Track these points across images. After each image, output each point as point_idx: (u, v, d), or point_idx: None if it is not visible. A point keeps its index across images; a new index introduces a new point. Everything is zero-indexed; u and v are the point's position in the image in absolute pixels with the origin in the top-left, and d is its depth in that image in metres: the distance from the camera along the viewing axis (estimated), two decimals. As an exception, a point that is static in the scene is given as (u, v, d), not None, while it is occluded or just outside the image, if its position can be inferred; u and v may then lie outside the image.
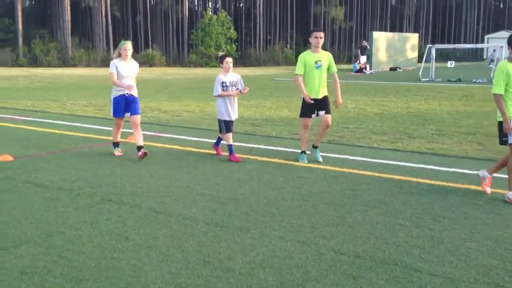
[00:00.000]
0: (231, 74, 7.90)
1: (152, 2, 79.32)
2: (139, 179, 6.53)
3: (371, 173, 6.80)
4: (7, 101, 16.92)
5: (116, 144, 8.23)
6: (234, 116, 7.88)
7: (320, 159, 7.57)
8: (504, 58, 5.82)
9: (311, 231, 4.63)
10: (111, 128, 9.55)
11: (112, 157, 7.93)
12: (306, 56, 7.54)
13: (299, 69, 7.51)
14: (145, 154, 7.67)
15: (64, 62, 59.68)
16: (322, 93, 7.54)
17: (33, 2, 79.92)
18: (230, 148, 7.75)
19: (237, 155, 7.84)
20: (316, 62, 7.45)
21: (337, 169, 7.07)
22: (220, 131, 7.94)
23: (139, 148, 7.78)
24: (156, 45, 69.75)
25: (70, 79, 30.10)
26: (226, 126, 7.79)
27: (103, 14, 67.51)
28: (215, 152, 8.18)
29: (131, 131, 8.13)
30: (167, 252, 4.11)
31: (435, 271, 3.76)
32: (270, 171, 6.98)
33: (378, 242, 4.35)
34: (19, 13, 63.50)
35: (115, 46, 63.75)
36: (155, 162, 7.55)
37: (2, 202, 5.49)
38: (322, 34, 7.48)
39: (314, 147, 7.78)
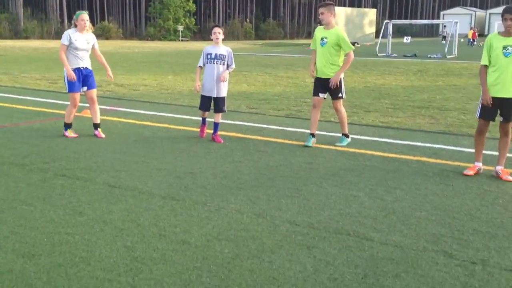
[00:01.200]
0: (221, 47, 7.12)
1: (108, -27, 76.98)
2: (94, 153, 6.42)
3: (327, 147, 6.89)
4: (-46, 74, 16.25)
5: (68, 125, 7.43)
6: (214, 92, 7.13)
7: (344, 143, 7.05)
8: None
9: (267, 203, 4.67)
10: (65, 102, 9.34)
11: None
12: (317, 32, 6.97)
13: (313, 43, 7.06)
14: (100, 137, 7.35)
15: (16, 33, 57.59)
16: (327, 73, 6.82)
17: (-19, -29, 76.21)
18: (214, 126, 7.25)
19: (195, 129, 7.81)
20: (322, 39, 6.81)
21: (294, 142, 7.13)
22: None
23: (96, 126, 7.50)
24: (113, 18, 68.12)
25: (22, 52, 29.10)
26: (200, 101, 7.30)
27: (56, -15, 65.20)
28: (172, 126, 8.11)
29: (85, 105, 7.93)
30: (122, 226, 4.08)
31: (386, 240, 3.87)
32: (228, 145, 6.97)
33: (332, 213, 4.44)
34: (-34, -18, 60.64)
35: (70, 18, 62.05)
36: (111, 136, 7.42)
37: (-50, 178, 5.31)
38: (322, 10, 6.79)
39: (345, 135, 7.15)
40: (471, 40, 42.01)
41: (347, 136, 7.11)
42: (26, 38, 54.60)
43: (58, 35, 58.68)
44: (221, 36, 7.05)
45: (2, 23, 57.80)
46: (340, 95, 6.91)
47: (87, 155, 6.31)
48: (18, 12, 60.98)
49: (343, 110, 7.03)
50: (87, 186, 5.10)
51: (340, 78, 6.80)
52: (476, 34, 43.67)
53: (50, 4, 65.94)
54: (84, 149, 6.61)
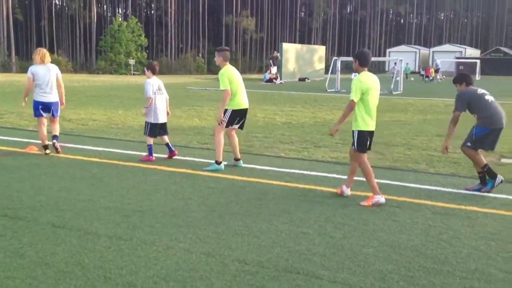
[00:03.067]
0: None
1: (58, 6, 76.33)
2: (38, 191, 6.21)
3: (278, 182, 6.93)
4: None
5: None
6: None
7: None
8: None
9: (217, 242, 4.63)
10: (8, 138, 9.07)
11: (7, 168, 7.49)
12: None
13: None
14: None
15: (-41, 66, 55.80)
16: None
17: None
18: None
19: (143, 165, 7.74)
20: None
21: (244, 178, 7.14)
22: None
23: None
24: (62, 51, 67.19)
25: (-35, 85, 28.17)
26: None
27: (4, 17, 63.94)
28: (120, 162, 8.00)
29: (30, 140, 7.74)
30: (66, 269, 3.94)
31: (335, 277, 3.89)
32: (178, 182, 6.91)
33: (282, 250, 4.43)
34: None
35: (17, 51, 60.94)
36: (56, 174, 7.22)
37: None
38: None
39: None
40: (428, 77, 43.87)
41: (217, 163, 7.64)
42: (-29, 70, 52.95)
43: (5, 69, 57.25)
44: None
45: None
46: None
47: (30, 194, 6.10)
48: (-38, 44, 59.29)
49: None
50: (30, 226, 4.92)
51: (225, 110, 7.56)
52: (431, 70, 45.39)
53: (-3, 36, 64.45)
54: (27, 187, 6.39)
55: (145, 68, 8.72)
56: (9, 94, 22.28)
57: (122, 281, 3.76)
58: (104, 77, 47.34)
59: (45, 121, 8.67)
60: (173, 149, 8.44)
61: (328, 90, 26.98)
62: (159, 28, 78.00)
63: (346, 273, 3.98)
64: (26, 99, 8.76)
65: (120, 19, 67.21)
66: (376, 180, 6.35)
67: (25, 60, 61.45)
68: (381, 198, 5.93)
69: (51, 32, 70.26)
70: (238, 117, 7.67)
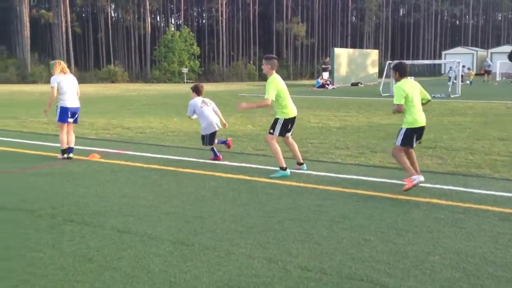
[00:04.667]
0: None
1: (114, 19, 78.77)
2: (102, 198, 6.41)
3: (335, 188, 6.86)
4: (-37, 119, 16.42)
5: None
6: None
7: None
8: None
9: (278, 248, 4.62)
10: (72, 146, 9.42)
11: (73, 175, 7.77)
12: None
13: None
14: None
15: (24, 78, 58.46)
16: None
17: (-10, 18, 78.05)
18: None
19: (202, 171, 7.86)
20: None
21: (302, 184, 7.11)
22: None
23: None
24: (118, 61, 69.19)
25: (29, 96, 29.45)
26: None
27: (64, 30, 66.60)
28: (179, 169, 8.16)
29: (92, 148, 8.01)
30: (132, 273, 4.04)
31: (401, 285, 3.81)
32: (235, 188, 6.96)
33: (344, 257, 4.38)
34: (-24, 29, 61.96)
35: (76, 62, 63.13)
36: (118, 180, 7.43)
37: (-42, 225, 5.29)
38: None
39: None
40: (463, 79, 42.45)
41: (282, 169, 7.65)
42: (33, 82, 55.37)
43: (64, 79, 59.43)
44: None
45: (9, 68, 58.79)
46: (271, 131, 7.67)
47: (95, 200, 6.30)
48: (25, 57, 62.13)
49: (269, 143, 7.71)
50: (96, 231, 5.07)
51: (276, 119, 7.63)
52: (470, 73, 43.87)
53: (57, 48, 67.20)
54: (92, 194, 6.61)
55: (191, 90, 9.34)
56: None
57: (187, 286, 3.81)
58: (158, 86, 48.42)
59: (66, 127, 9.18)
60: (218, 154, 8.99)
61: (383, 95, 26.53)
62: (210, 37, 79.16)
63: (412, 281, 3.88)
64: (49, 108, 9.36)
65: (173, 29, 68.69)
66: (438, 186, 6.21)
67: (83, 71, 63.75)
68: (419, 177, 6.52)
69: (108, 44, 72.54)
70: (289, 124, 7.76)
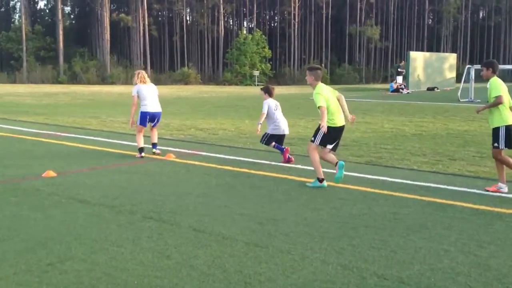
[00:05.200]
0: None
1: (189, 22, 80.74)
2: (178, 196, 6.58)
3: (412, 196, 6.68)
4: (49, 117, 17.41)
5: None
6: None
7: None
8: None
9: (353, 254, 4.56)
10: (149, 146, 9.77)
11: (151, 174, 8.03)
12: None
13: None
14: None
15: (103, 79, 61.14)
16: None
17: (73, 22, 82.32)
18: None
19: (275, 174, 7.89)
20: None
21: (376, 191, 6.97)
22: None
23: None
24: (192, 64, 70.80)
25: (108, 97, 30.78)
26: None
27: (141, 34, 69.01)
28: (251, 171, 8.24)
29: (168, 148, 8.23)
30: (208, 272, 4.11)
31: (483, 300, 3.65)
32: (308, 192, 6.94)
33: (423, 267, 4.25)
34: (60, 32, 65.57)
35: (152, 64, 65.34)
36: (193, 180, 7.60)
37: (48, 218, 5.61)
38: None
39: None
40: None
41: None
42: (112, 83, 57.80)
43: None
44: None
45: (90, 69, 61.69)
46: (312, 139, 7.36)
47: (171, 199, 6.47)
48: (105, 59, 64.97)
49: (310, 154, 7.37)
50: (173, 229, 5.21)
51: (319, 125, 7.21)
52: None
53: (134, 51, 69.79)
54: (169, 193, 6.80)
55: (262, 91, 9.45)
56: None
57: (262, 287, 3.83)
58: (229, 88, 49.17)
59: (143, 130, 9.74)
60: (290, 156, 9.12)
61: (461, 100, 25.57)
62: (282, 40, 79.34)
63: (496, 296, 3.71)
64: (133, 119, 9.88)
65: (245, 32, 69.53)
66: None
67: (158, 73, 65.81)
68: (504, 188, 6.74)
69: (182, 46, 74.46)
70: (334, 135, 7.33)
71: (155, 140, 9.89)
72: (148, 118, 9.69)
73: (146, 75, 10.01)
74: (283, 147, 9.18)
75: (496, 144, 6.98)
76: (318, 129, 7.26)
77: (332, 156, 7.44)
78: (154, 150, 9.76)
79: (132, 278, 3.97)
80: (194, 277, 4.01)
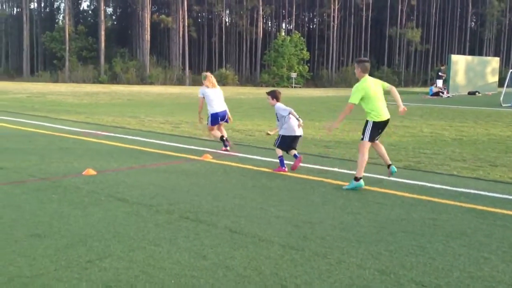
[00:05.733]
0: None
1: (228, 24, 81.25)
2: (215, 197, 6.63)
3: (452, 202, 6.54)
4: (89, 116, 17.80)
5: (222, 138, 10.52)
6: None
7: None
8: None
9: (390, 260, 4.50)
10: (186, 146, 9.86)
11: (188, 174, 8.11)
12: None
13: None
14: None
15: (142, 80, 62.13)
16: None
17: (115, 23, 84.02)
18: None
19: (311, 177, 7.85)
20: None
21: (415, 196, 6.86)
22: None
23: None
24: (230, 65, 71.25)
25: (147, 97, 31.24)
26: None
27: (181, 35, 69.81)
28: (290, 174, 8.21)
29: (205, 149, 8.29)
30: (244, 273, 4.13)
31: (526, 311, 3.54)
32: (345, 195, 6.88)
33: (462, 275, 4.16)
34: (102, 33, 66.97)
35: (190, 65, 65.95)
36: (230, 181, 7.65)
37: (88, 215, 5.74)
38: None
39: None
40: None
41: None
42: (151, 84, 58.69)
43: (179, 82, 62.43)
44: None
45: (130, 70, 62.79)
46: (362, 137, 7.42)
47: (208, 199, 6.53)
48: (144, 60, 66.03)
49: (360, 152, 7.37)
50: (210, 230, 5.25)
51: (366, 122, 7.34)
52: None
53: (173, 52, 70.66)
54: (205, 193, 6.86)
55: (269, 95, 9.21)
56: (184, 105, 24.24)
57: (297, 290, 3.83)
58: (266, 90, 49.15)
59: (216, 127, 10.70)
60: (284, 165, 8.56)
61: (503, 105, 24.88)
62: (321, 42, 78.97)
63: (539, 308, 3.60)
64: (201, 115, 10.79)
65: (283, 34, 69.49)
66: None
67: (196, 74, 66.47)
68: None
69: (221, 48, 75.01)
70: (379, 128, 7.42)
71: (225, 134, 10.77)
72: (219, 118, 10.54)
73: (214, 80, 10.74)
74: (298, 154, 8.61)
75: None
76: (365, 124, 7.37)
77: (382, 151, 7.65)
78: (225, 137, 10.59)
79: (169, 277, 4.02)
80: (230, 278, 4.03)
